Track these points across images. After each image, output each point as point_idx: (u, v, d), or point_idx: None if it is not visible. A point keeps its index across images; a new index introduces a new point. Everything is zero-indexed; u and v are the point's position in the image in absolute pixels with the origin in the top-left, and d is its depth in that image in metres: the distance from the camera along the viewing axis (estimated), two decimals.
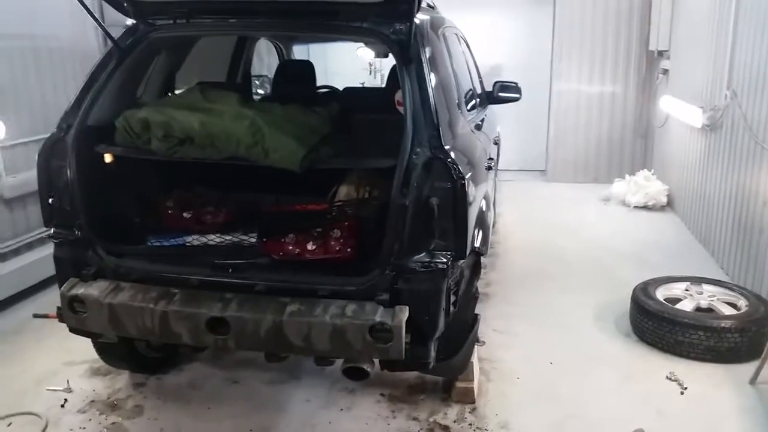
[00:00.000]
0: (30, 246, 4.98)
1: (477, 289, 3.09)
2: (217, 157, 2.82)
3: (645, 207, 7.03)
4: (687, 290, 4.19)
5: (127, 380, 3.66)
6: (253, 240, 2.99)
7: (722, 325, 3.71)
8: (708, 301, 4.03)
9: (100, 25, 2.98)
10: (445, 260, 2.61)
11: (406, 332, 2.53)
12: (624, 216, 6.95)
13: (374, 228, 2.81)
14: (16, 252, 4.87)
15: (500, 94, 4.82)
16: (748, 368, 3.58)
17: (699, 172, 5.91)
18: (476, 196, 2.90)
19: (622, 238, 6.13)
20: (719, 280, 4.43)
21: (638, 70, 7.95)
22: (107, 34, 2.99)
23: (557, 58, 8.16)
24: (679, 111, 6.35)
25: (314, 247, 2.79)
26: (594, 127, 8.23)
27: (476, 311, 3.17)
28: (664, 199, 7.00)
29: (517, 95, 4.89)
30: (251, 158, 2.78)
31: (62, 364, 3.81)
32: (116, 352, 3.42)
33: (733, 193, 4.96)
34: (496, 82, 4.87)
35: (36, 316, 4.33)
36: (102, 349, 3.43)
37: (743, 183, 4.76)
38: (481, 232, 2.99)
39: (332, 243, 2.80)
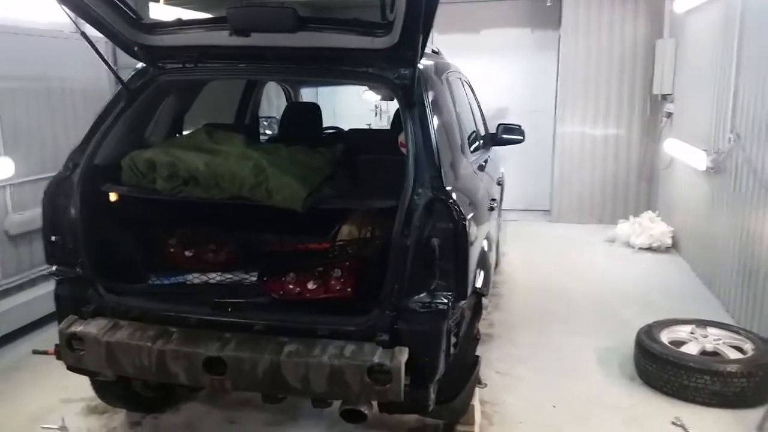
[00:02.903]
0: (33, 282, 5.01)
1: (478, 330, 3.08)
2: (221, 197, 2.84)
3: (650, 248, 7.00)
4: (692, 333, 4.14)
5: (123, 419, 3.62)
6: (254, 279, 3.00)
7: (728, 369, 3.65)
8: (713, 344, 3.98)
9: (109, 67, 3.06)
10: (446, 301, 2.60)
11: (406, 374, 2.51)
12: (629, 257, 6.92)
13: (375, 268, 2.81)
14: (20, 288, 4.90)
15: (504, 135, 4.87)
16: (754, 414, 3.52)
17: (704, 214, 5.90)
18: (478, 236, 2.91)
19: (626, 280, 6.09)
20: (725, 324, 4.37)
21: (642, 113, 8.01)
22: (116, 77, 3.06)
23: (561, 101, 8.25)
24: (684, 154, 6.38)
25: (315, 286, 2.79)
26: (598, 169, 8.26)
27: (478, 353, 3.14)
28: (669, 241, 6.98)
29: (521, 137, 4.94)
30: (255, 198, 2.80)
31: (59, 402, 3.78)
32: (113, 390, 3.39)
33: (739, 236, 4.94)
34: (499, 125, 4.93)
35: (35, 352, 4.30)
36: (99, 387, 3.40)
37: (748, 226, 4.74)
38: (482, 272, 2.98)
39: (333, 282, 2.80)
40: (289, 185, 2.76)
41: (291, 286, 2.82)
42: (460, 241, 2.60)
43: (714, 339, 4.05)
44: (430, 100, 2.88)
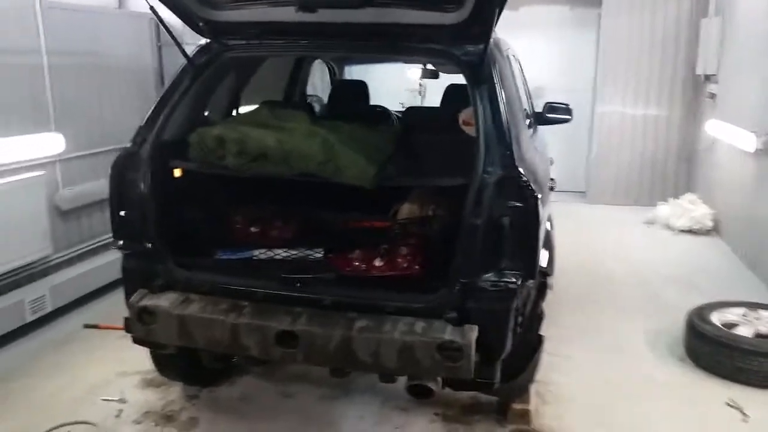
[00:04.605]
0: (81, 257, 5.08)
1: (542, 309, 3.08)
2: (290, 173, 2.86)
3: (690, 231, 6.93)
4: (744, 315, 4.11)
5: (179, 392, 3.67)
6: (319, 255, 3.02)
7: None
8: (767, 327, 3.95)
9: (177, 43, 3.04)
10: (515, 280, 2.61)
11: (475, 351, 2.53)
12: (669, 239, 6.87)
13: (439, 246, 2.82)
14: (69, 262, 4.97)
15: (551, 115, 4.81)
16: None
17: (750, 196, 5.81)
18: (544, 215, 2.90)
19: (668, 262, 6.06)
20: None
21: (683, 93, 7.89)
22: (182, 52, 3.06)
23: (601, 80, 8.14)
24: (729, 135, 6.27)
25: (381, 264, 2.81)
26: (637, 150, 8.16)
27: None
28: (710, 224, 6.90)
29: (569, 116, 4.88)
30: (323, 175, 2.81)
31: (115, 375, 3.83)
32: (174, 363, 3.44)
33: None
34: (546, 103, 4.87)
35: (87, 326, 4.42)
36: (159, 360, 3.45)
37: None
38: (547, 252, 2.98)
39: (399, 260, 2.82)
40: (357, 162, 2.77)
41: (357, 263, 2.84)
42: (531, 219, 2.60)
43: (767, 321, 4.01)
44: (498, 76, 2.86)
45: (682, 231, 6.97)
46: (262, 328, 2.65)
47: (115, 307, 4.72)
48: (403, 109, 4.43)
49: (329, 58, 4.98)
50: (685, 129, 7.96)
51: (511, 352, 2.75)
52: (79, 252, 5.07)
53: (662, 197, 7.67)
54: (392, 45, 3.03)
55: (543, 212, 2.80)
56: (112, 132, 5.16)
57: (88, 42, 5.12)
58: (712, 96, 7.21)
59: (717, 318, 4.07)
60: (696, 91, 7.77)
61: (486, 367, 2.64)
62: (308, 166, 2.81)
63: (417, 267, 2.83)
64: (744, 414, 3.45)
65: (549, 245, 3.08)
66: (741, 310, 4.17)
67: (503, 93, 2.81)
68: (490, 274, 2.61)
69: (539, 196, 2.63)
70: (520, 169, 2.63)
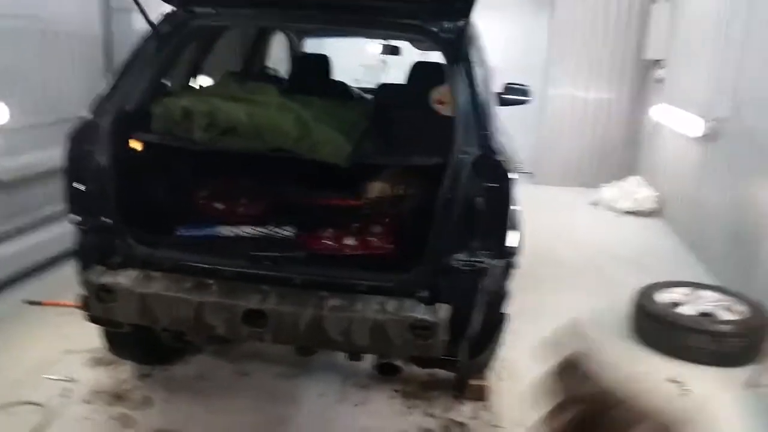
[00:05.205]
0: (20, 231, 4.83)
1: (508, 288, 3.13)
2: (262, 149, 2.79)
3: (633, 212, 7.17)
4: (687, 295, 4.28)
5: (131, 371, 3.54)
6: (287, 233, 2.98)
7: (724, 329, 3.82)
8: (709, 306, 4.13)
9: (141, 10, 2.87)
10: (486, 259, 2.64)
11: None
12: (613, 220, 7.09)
13: (410, 225, 2.82)
14: (8, 236, 4.72)
15: (510, 96, 4.84)
16: (746, 372, 3.69)
17: (693, 180, 6.03)
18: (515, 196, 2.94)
19: (613, 242, 6.25)
20: (718, 286, 4.53)
21: (631, 78, 8.10)
22: (149, 21, 2.91)
23: (552, 63, 8.26)
24: (675, 120, 6.47)
25: (355, 242, 2.79)
26: (585, 133, 8.35)
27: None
28: (653, 206, 7.15)
29: (527, 98, 4.93)
30: (298, 151, 2.75)
31: (61, 353, 3.66)
32: (128, 342, 3.33)
33: (732, 202, 5.05)
34: (505, 84, 4.90)
35: (31, 303, 4.21)
36: (112, 338, 3.32)
37: (744, 193, 4.85)
38: (515, 232, 3.02)
39: (371, 239, 2.81)
40: (334, 139, 2.73)
41: (329, 242, 2.81)
42: (505, 200, 2.63)
43: (709, 301, 4.19)
44: (476, 55, 2.85)
45: (626, 212, 7.20)
46: (229, 307, 2.59)
47: (57, 282, 4.57)
48: (374, 86, 4.35)
49: (300, 29, 4.83)
50: (632, 113, 8.19)
51: (476, 330, 2.79)
52: (20, 225, 4.81)
53: (607, 179, 7.89)
54: (369, 19, 2.97)
55: (516, 193, 2.84)
56: (57, 102, 4.91)
57: (28, 4, 4.80)
58: (660, 81, 7.41)
59: (662, 297, 4.23)
60: (644, 75, 7.98)
61: (453, 345, 2.68)
62: (282, 141, 2.74)
63: (389, 246, 2.83)
64: (684, 389, 3.60)
65: (517, 225, 3.11)
66: (684, 290, 4.35)
67: (480, 72, 2.82)
68: (462, 254, 2.63)
69: (514, 177, 2.67)
70: (497, 150, 2.65)
